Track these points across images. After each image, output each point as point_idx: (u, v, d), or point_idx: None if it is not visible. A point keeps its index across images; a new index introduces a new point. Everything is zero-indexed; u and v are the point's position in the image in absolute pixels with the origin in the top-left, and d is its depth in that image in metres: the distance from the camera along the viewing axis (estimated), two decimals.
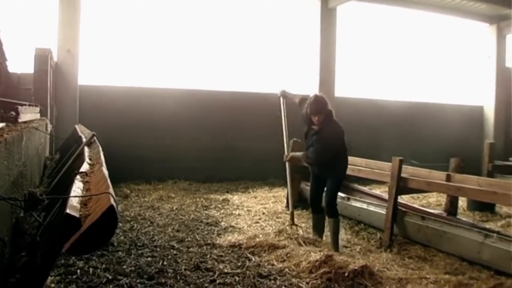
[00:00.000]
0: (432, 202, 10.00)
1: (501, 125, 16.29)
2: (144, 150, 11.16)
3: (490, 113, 16.31)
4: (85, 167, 3.28)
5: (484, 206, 8.92)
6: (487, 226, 7.43)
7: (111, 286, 4.61)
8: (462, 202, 9.21)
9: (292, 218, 7.22)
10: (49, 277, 4.57)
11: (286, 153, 7.29)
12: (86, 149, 4.85)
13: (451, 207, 7.85)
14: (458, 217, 7.65)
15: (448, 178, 7.27)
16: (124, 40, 11.52)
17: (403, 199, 8.43)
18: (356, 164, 8.71)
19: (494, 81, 16.12)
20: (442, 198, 8.99)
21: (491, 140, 13.40)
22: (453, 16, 15.22)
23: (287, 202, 9.03)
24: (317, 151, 6.26)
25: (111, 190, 2.07)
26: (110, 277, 4.80)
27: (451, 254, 5.94)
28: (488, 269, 5.41)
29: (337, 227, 6.44)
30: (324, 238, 6.61)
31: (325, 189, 6.54)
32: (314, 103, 6.26)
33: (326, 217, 6.55)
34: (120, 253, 5.71)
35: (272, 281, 4.96)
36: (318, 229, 6.74)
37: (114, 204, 1.81)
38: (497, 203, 8.11)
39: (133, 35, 11.60)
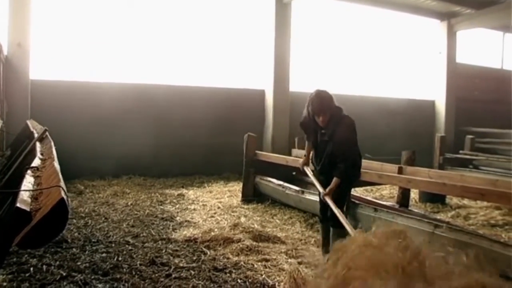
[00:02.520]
0: (385, 194, 10.19)
1: (452, 119, 16.70)
2: (98, 146, 11.01)
3: (441, 107, 16.70)
4: (36, 162, 3.25)
5: (435, 198, 9.13)
6: (438, 217, 7.64)
7: (65, 283, 4.55)
8: (414, 194, 9.41)
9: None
10: (1, 276, 4.51)
11: (322, 190, 5.59)
12: (38, 144, 4.79)
13: (403, 199, 8.02)
14: (410, 208, 7.82)
15: (400, 171, 7.42)
16: (77, 34, 11.30)
17: (357, 191, 8.57)
18: None
19: (445, 76, 16.51)
20: (395, 191, 9.17)
21: (442, 134, 13.72)
22: (406, 12, 15.51)
23: (242, 195, 9.14)
24: (353, 166, 5.40)
25: (62, 184, 2.07)
26: (64, 274, 4.74)
27: None
28: None
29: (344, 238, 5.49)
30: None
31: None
32: (316, 99, 5.43)
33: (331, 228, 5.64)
34: (74, 249, 5.64)
35: (228, 274, 4.99)
36: (327, 239, 5.82)
37: (65, 197, 1.81)
38: (446, 194, 8.30)
39: (87, 28, 11.39)
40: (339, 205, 5.43)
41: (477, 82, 18.29)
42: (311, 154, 6.05)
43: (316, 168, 5.83)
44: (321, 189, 5.62)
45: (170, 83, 12.23)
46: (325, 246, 5.85)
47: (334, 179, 5.40)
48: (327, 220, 5.81)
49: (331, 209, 5.43)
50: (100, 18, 11.51)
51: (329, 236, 5.77)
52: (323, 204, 5.71)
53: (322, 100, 5.40)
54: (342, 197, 5.63)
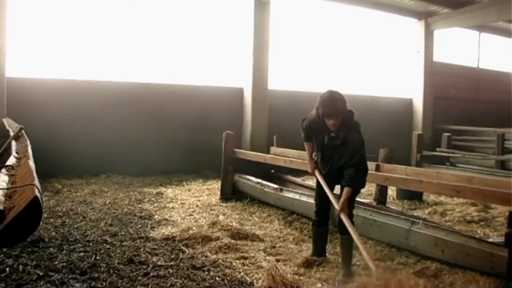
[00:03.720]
0: (363, 191, 10.16)
1: (429, 117, 16.87)
2: (76, 144, 10.91)
3: (418, 105, 16.85)
4: (11, 161, 3.23)
5: (412, 195, 9.22)
6: (415, 214, 7.71)
7: (42, 283, 4.50)
8: (392, 192, 9.49)
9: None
10: None
11: (336, 206, 5.03)
12: (13, 143, 4.76)
13: (381, 196, 8.05)
14: (387, 205, 7.88)
15: (378, 168, 7.48)
16: (55, 30, 11.19)
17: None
18: (288, 156, 8.85)
19: (422, 74, 16.66)
20: (373, 188, 9.21)
21: (419, 132, 13.85)
22: (384, 11, 15.64)
23: (221, 193, 9.14)
24: (363, 171, 5.07)
25: (36, 182, 2.06)
26: (41, 274, 4.69)
27: (380, 241, 6.14)
28: (415, 254, 5.62)
29: (351, 246, 5.13)
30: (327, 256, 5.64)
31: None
32: (328, 101, 4.98)
33: (338, 234, 5.28)
34: (51, 249, 5.59)
35: (206, 273, 4.99)
36: (321, 244, 5.59)
37: (39, 195, 1.80)
38: (423, 191, 8.41)
39: (65, 25, 11.27)
40: (351, 210, 5.17)
41: (454, 80, 18.52)
42: (314, 158, 5.65)
43: (322, 172, 5.46)
44: (335, 205, 5.07)
45: (149, 81, 12.16)
46: (318, 250, 5.60)
47: (346, 189, 5.03)
48: (326, 224, 5.60)
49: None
50: (76, 15, 11.39)
51: (325, 240, 5.61)
52: (323, 204, 5.49)
53: (335, 102, 4.98)
54: (351, 207, 5.21)
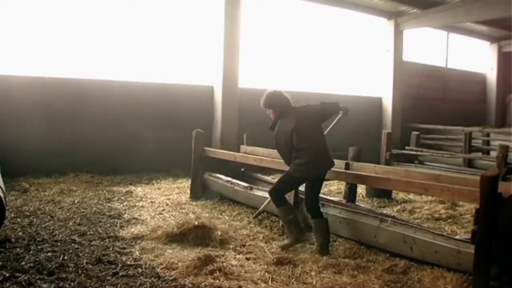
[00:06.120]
0: (333, 190, 10.33)
1: (398, 116, 17.04)
2: (43, 143, 10.71)
3: (388, 104, 17.01)
4: None
5: (381, 193, 9.32)
6: (384, 212, 7.79)
7: (8, 284, 4.45)
8: (361, 190, 9.57)
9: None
10: None
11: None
12: None
13: (350, 194, 8.13)
14: (357, 203, 7.95)
15: (347, 166, 7.54)
16: (22, 27, 10.98)
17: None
18: (258, 154, 8.87)
19: (392, 73, 16.81)
20: (343, 186, 9.28)
21: (388, 130, 13.99)
22: (354, 11, 15.79)
23: (191, 192, 9.13)
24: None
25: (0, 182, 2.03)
26: (7, 275, 4.62)
27: (350, 239, 6.18)
28: (384, 251, 5.68)
29: (324, 227, 5.97)
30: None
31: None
32: (263, 97, 6.29)
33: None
34: (18, 249, 5.50)
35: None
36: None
37: (2, 195, 1.77)
38: (391, 189, 8.49)
39: (33, 22, 11.02)
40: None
41: (423, 80, 18.79)
42: None
43: None
44: None
45: (118, 79, 11.98)
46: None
47: None
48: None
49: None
50: (45, 13, 11.16)
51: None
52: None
53: (265, 98, 6.29)
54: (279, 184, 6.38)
